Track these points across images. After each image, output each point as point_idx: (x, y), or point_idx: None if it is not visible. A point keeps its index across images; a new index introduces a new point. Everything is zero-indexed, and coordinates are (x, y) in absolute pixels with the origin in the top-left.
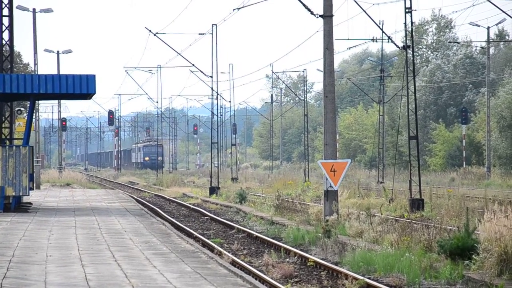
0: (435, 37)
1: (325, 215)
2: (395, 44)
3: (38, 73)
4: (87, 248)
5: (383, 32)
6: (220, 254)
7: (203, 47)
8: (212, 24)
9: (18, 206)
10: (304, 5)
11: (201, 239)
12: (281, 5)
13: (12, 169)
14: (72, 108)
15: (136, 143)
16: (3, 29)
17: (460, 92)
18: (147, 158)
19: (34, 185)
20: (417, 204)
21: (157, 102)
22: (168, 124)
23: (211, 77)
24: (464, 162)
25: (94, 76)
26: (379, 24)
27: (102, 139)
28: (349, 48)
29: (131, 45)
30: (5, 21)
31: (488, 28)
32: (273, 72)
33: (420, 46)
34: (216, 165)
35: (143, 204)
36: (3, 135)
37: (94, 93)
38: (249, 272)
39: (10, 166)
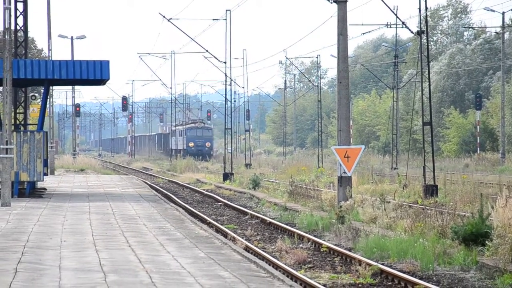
0: (450, 22)
1: (339, 201)
2: (409, 30)
3: (52, 59)
4: (101, 234)
5: (397, 17)
6: (233, 240)
7: (217, 33)
8: (226, 10)
9: (32, 191)
10: None
11: (214, 225)
12: None
13: (26, 154)
14: (86, 94)
15: (176, 125)
16: (18, 15)
17: (478, 77)
18: (191, 144)
19: (48, 170)
20: (431, 190)
21: (170, 88)
22: (181, 110)
23: (225, 62)
24: (478, 148)
25: (108, 61)
26: (394, 9)
27: (116, 125)
28: (363, 33)
29: (145, 30)
30: (20, 6)
31: (503, 13)
32: (286, 58)
33: (435, 32)
34: (230, 151)
35: (156, 190)
36: (17, 121)
37: (108, 79)
38: (263, 258)
39: (24, 151)
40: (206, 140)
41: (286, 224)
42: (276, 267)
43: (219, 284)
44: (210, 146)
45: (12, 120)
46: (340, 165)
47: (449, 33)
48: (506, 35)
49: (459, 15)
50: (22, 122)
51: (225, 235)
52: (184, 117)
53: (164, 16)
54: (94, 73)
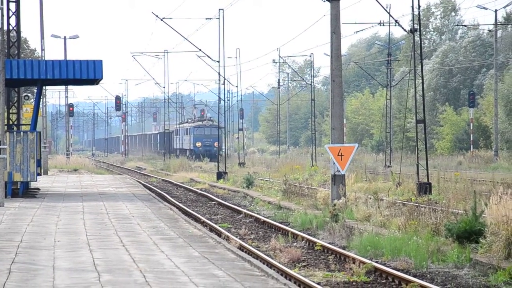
0: (443, 20)
1: (333, 199)
2: (402, 28)
3: (45, 59)
4: (95, 233)
5: (390, 15)
6: (227, 238)
7: (210, 32)
8: (219, 9)
9: (26, 191)
10: None
11: (208, 224)
12: None
13: (19, 154)
14: (79, 94)
15: (181, 123)
16: (10, 15)
17: (471, 75)
18: (199, 144)
19: (42, 170)
20: (424, 188)
21: (164, 87)
22: (175, 109)
23: (218, 62)
24: (471, 146)
25: (101, 61)
26: (387, 7)
27: (109, 124)
28: (357, 32)
29: (138, 30)
30: (12, 6)
31: (496, 11)
32: (280, 56)
33: (428, 30)
34: (224, 150)
35: (150, 189)
36: (10, 121)
37: (101, 79)
38: (257, 257)
39: (17, 151)
40: (215, 140)
41: (280, 223)
42: (270, 265)
43: (213, 283)
44: (218, 146)
45: (5, 120)
46: (334, 163)
47: (441, 31)
48: (499, 33)
49: (448, 13)
50: (15, 122)
51: (219, 234)
52: (178, 116)
53: (157, 16)
54: (87, 73)
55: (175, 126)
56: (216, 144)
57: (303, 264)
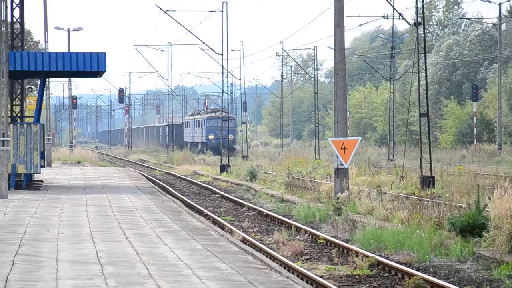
0: (445, 13)
1: (336, 192)
2: (406, 21)
3: (49, 51)
4: (98, 226)
5: (394, 9)
6: (230, 231)
7: (214, 25)
8: (223, 1)
9: (29, 183)
10: None
11: (211, 217)
12: None
13: (23, 146)
14: (83, 86)
15: (192, 114)
16: (14, 7)
17: (474, 69)
18: (211, 137)
19: (45, 162)
20: (427, 182)
21: (167, 79)
22: (178, 102)
23: (222, 54)
24: (475, 139)
25: (104, 53)
26: (390, 1)
27: (113, 117)
28: (360, 25)
29: (142, 22)
30: None
31: (500, 4)
32: (283, 49)
33: (431, 23)
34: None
35: (153, 182)
36: (14, 113)
37: (105, 71)
38: (260, 250)
39: (21, 143)
40: (229, 132)
41: (283, 216)
42: (273, 258)
43: (216, 276)
44: (233, 139)
45: (9, 112)
46: (337, 156)
47: (444, 25)
48: (503, 26)
49: (451, 6)
50: (19, 114)
51: (222, 227)
52: (181, 109)
53: (160, 8)
54: (91, 65)
55: (184, 118)
56: (230, 136)
57: (306, 257)
